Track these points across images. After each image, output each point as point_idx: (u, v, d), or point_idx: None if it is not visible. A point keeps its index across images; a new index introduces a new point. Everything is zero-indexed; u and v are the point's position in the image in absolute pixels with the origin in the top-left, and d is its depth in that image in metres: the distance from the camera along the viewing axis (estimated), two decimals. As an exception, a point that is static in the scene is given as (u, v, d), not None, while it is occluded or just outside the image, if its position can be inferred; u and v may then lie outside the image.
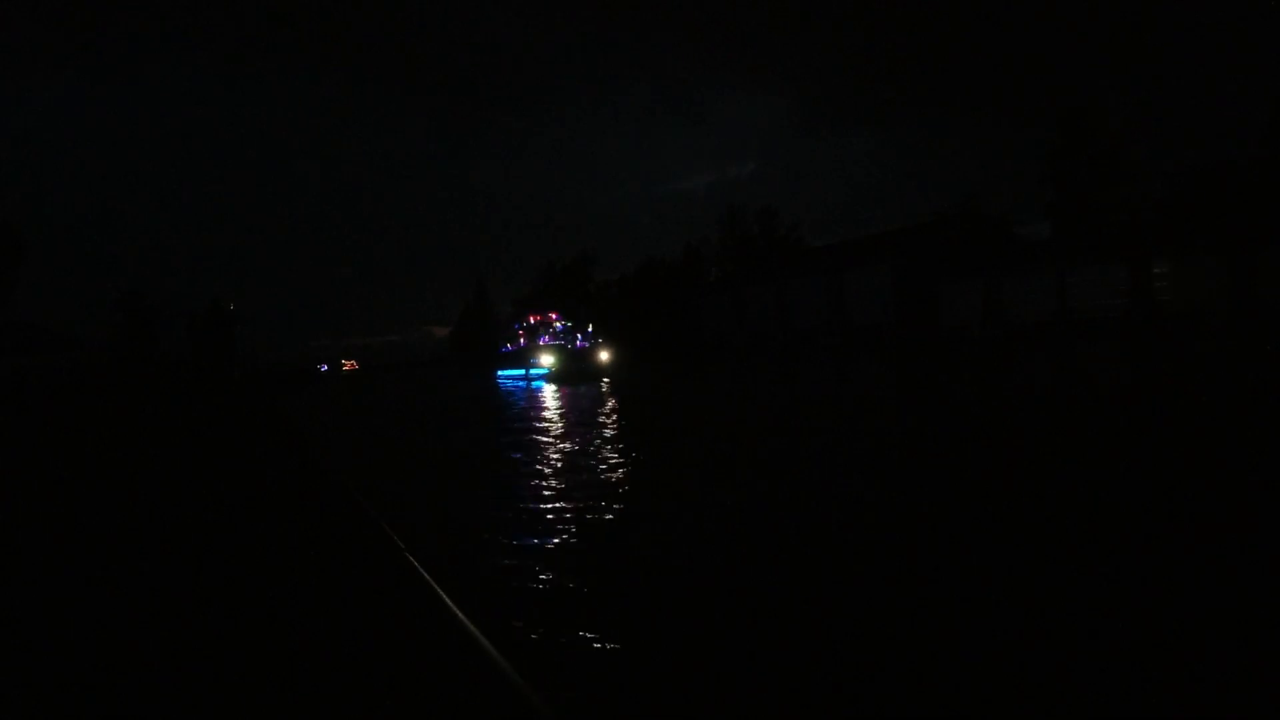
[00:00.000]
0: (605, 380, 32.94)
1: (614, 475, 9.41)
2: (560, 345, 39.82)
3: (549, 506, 7.71)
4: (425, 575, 2.03)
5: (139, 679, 1.55)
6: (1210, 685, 3.38)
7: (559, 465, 10.40)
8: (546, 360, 38.56)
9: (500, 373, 46.20)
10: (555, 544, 6.32)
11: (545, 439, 13.58)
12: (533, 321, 43.96)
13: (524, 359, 41.16)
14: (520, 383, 37.73)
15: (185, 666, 1.58)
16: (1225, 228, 30.54)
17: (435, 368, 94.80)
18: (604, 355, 38.75)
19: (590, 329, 42.55)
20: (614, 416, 17.16)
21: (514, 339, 46.59)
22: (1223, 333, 26.95)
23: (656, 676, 3.79)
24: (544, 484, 9.14)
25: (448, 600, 1.79)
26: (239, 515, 3.22)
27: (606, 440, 12.80)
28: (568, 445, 12.43)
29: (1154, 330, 28.73)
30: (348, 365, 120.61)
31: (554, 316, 43.37)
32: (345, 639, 1.65)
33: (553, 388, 31.26)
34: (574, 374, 35.88)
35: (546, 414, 18.99)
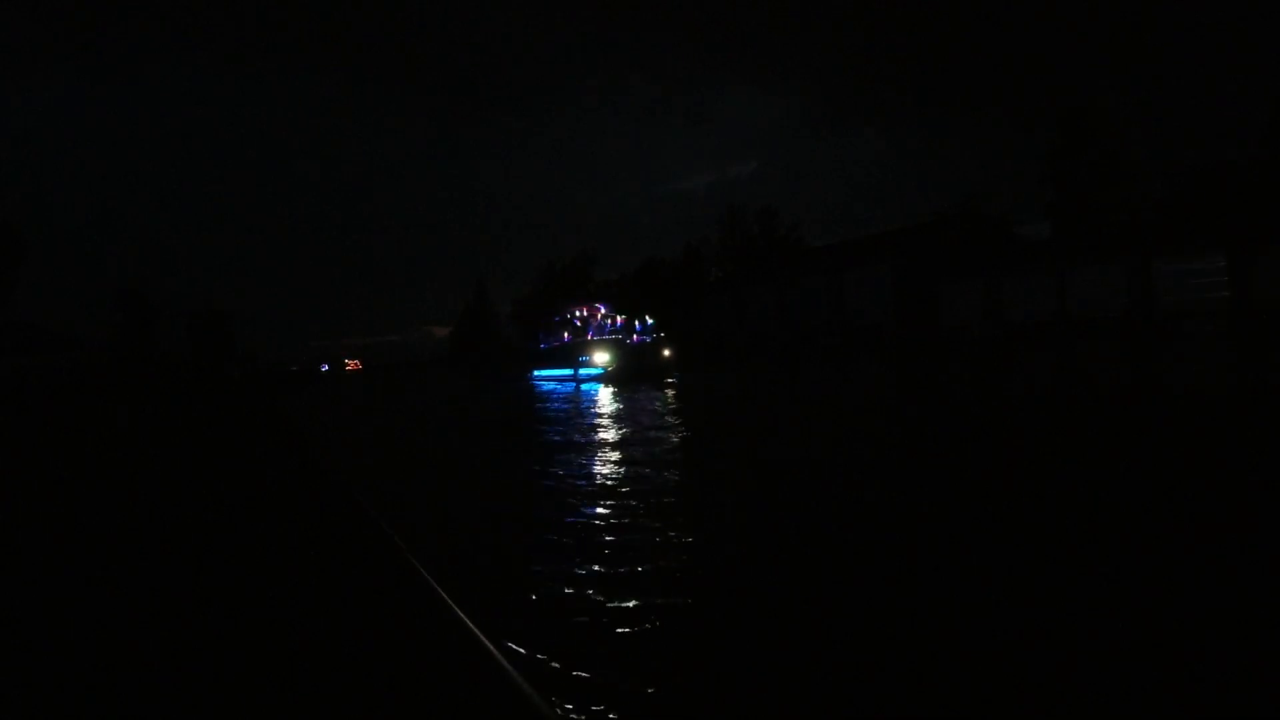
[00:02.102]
0: (670, 382, 28.46)
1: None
2: (617, 340, 34.32)
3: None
4: (426, 575, 2.03)
5: (139, 679, 1.55)
6: (1210, 685, 3.38)
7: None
8: (601, 358, 32.96)
9: (537, 373, 39.50)
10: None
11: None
12: (577, 314, 38.34)
13: (570, 356, 35.23)
14: (567, 385, 32.33)
15: (185, 666, 1.58)
16: (1225, 228, 30.53)
17: (439, 367, 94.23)
18: (667, 352, 33.79)
19: (650, 322, 36.71)
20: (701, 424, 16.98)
21: (554, 332, 40.24)
22: (1223, 333, 26.96)
23: (656, 676, 3.79)
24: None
25: (448, 600, 1.80)
26: (239, 515, 3.22)
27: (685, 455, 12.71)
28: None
29: (1154, 330, 28.72)
30: (351, 365, 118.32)
31: (602, 308, 38.17)
32: (345, 639, 1.65)
33: (609, 389, 26.98)
34: (634, 374, 30.89)
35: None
